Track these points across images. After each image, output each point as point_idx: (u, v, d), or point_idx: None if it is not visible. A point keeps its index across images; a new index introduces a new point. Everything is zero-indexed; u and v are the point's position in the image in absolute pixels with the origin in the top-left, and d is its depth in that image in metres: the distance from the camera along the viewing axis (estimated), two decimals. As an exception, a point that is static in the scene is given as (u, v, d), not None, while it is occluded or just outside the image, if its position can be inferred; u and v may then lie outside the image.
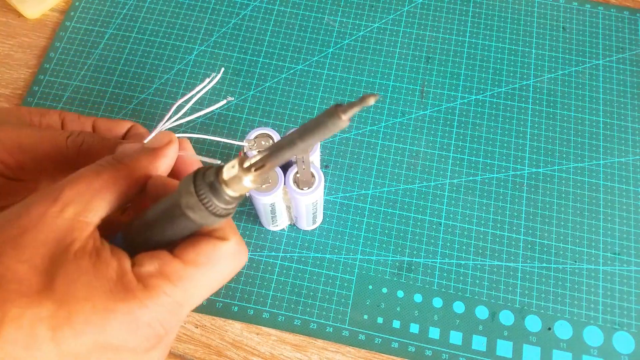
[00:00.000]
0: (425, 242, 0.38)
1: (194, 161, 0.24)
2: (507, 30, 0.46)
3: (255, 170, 0.17)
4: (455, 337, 0.35)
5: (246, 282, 0.37)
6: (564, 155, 0.41)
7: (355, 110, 0.15)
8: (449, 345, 0.35)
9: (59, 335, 0.16)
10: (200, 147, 0.41)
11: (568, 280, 0.37)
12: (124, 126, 0.27)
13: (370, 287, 0.37)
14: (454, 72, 0.44)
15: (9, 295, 0.16)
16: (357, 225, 0.39)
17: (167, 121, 0.24)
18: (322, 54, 0.45)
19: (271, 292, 0.37)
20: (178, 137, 0.23)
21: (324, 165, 0.40)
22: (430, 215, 0.39)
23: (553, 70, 0.44)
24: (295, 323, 0.36)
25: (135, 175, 0.20)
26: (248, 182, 0.17)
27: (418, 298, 0.37)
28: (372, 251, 0.38)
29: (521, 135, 0.42)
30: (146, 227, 0.20)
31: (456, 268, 0.37)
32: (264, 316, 0.36)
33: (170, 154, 0.22)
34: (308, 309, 0.36)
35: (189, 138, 0.25)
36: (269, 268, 0.37)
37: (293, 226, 0.39)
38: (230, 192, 0.17)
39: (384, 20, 0.46)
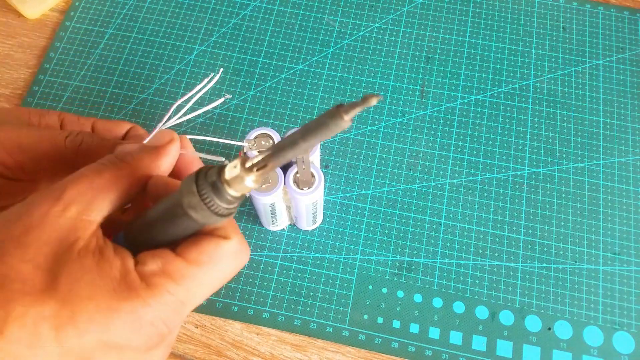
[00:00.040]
0: (425, 242, 0.38)
1: (195, 159, 0.24)
2: (507, 30, 0.46)
3: (258, 170, 0.17)
4: (455, 337, 0.35)
5: (246, 282, 0.37)
6: (564, 155, 0.41)
7: (357, 111, 0.15)
8: (449, 345, 0.35)
9: (62, 334, 0.16)
10: (201, 147, 0.41)
11: (568, 280, 0.37)
12: (123, 127, 0.27)
13: (370, 287, 0.37)
14: (454, 72, 0.44)
15: (12, 295, 0.16)
16: (357, 225, 0.39)
17: (167, 121, 0.24)
18: (322, 54, 0.45)
19: (271, 292, 0.37)
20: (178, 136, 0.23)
21: (324, 165, 0.40)
22: (430, 215, 0.39)
23: (553, 70, 0.44)
24: (295, 323, 0.36)
25: (137, 174, 0.20)
26: (250, 182, 0.17)
27: (418, 298, 0.37)
28: (372, 251, 0.38)
29: (521, 135, 0.42)
30: (148, 227, 0.20)
31: (456, 268, 0.37)
32: (264, 316, 0.36)
33: (172, 152, 0.22)
34: (308, 309, 0.36)
35: (189, 138, 0.25)
36: (269, 268, 0.37)
37: (293, 226, 0.39)
38: (232, 191, 0.17)
39: (384, 20, 0.46)
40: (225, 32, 0.46)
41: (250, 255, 0.38)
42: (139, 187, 0.21)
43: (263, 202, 0.32)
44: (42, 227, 0.17)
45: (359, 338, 0.35)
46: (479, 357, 0.35)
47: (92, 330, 0.17)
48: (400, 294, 0.37)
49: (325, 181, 0.40)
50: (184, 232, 0.19)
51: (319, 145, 0.34)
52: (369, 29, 0.46)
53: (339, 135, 0.41)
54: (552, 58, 0.44)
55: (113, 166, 0.20)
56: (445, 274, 0.37)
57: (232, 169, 0.17)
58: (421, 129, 0.42)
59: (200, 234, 0.19)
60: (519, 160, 0.41)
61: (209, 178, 0.17)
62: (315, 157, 0.34)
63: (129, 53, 0.45)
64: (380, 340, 0.35)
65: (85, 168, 0.20)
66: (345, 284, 0.37)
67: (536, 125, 0.42)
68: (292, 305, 0.36)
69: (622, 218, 0.39)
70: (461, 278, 0.37)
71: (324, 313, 0.36)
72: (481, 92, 0.43)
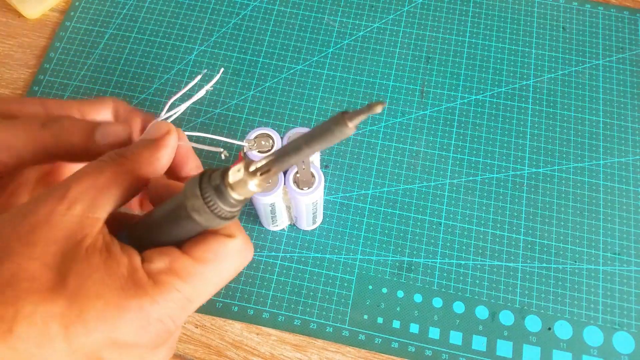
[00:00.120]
0: (425, 242, 0.38)
1: (190, 152, 0.24)
2: (507, 30, 0.46)
3: (261, 174, 0.17)
4: (455, 337, 0.35)
5: (246, 282, 0.37)
6: (564, 155, 0.41)
7: (362, 118, 0.15)
8: (449, 345, 0.35)
9: (71, 332, 0.16)
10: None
11: (568, 280, 0.37)
12: (106, 104, 0.26)
13: (370, 287, 0.37)
14: (454, 72, 0.44)
15: (21, 293, 0.16)
16: (357, 225, 0.39)
17: (164, 118, 0.24)
18: (322, 54, 0.45)
19: (271, 292, 0.37)
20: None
21: (324, 165, 0.40)
22: (430, 215, 0.39)
23: (553, 70, 0.44)
24: (295, 323, 0.36)
25: (138, 169, 0.20)
26: (253, 186, 0.17)
27: (418, 298, 0.37)
28: (372, 251, 0.38)
29: (521, 135, 0.42)
30: (151, 228, 0.20)
31: (456, 268, 0.37)
32: (264, 316, 0.36)
33: (171, 143, 0.22)
34: (308, 309, 0.36)
35: (189, 139, 0.25)
36: (269, 268, 0.37)
37: (293, 226, 0.39)
38: (236, 195, 0.17)
39: (384, 20, 0.46)
40: (225, 32, 0.46)
41: (251, 255, 0.38)
42: (141, 181, 0.21)
43: (263, 202, 0.32)
44: (48, 225, 0.17)
45: (359, 338, 0.35)
46: (479, 357, 0.35)
47: (100, 329, 0.17)
48: (400, 294, 0.37)
49: (325, 181, 0.40)
50: (188, 233, 0.19)
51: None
52: (369, 29, 0.46)
53: (339, 135, 0.41)
54: (552, 58, 0.44)
55: (113, 163, 0.20)
56: (445, 274, 0.37)
57: (235, 173, 0.17)
58: (421, 129, 0.42)
59: (205, 233, 0.19)
60: (519, 160, 0.41)
61: (213, 181, 0.17)
62: (315, 157, 0.34)
63: (129, 53, 0.45)
64: (380, 340, 0.35)
65: (87, 166, 0.20)
66: (345, 284, 0.37)
67: (536, 125, 0.42)
68: (292, 305, 0.36)
69: (622, 218, 0.39)
70: (461, 278, 0.37)
71: (324, 313, 0.36)
72: (481, 92, 0.43)
